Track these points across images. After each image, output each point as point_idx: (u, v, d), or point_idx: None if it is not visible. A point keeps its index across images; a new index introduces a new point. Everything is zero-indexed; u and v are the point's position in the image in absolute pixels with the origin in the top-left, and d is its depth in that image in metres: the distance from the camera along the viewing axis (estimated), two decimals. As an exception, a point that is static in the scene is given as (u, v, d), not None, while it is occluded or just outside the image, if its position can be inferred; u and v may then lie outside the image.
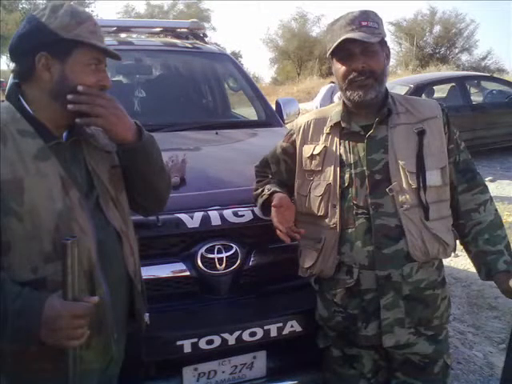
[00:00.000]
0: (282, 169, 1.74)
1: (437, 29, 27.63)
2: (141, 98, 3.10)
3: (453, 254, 1.64)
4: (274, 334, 1.71)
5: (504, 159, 8.21)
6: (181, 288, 1.74)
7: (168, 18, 30.67)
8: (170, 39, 3.58)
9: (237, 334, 1.66)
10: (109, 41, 2.94)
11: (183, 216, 1.72)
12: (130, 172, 1.29)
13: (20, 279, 1.06)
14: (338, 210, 1.51)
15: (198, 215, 1.74)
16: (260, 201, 1.71)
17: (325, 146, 1.57)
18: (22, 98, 1.16)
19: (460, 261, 4.02)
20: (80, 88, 1.14)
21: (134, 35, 3.78)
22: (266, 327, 1.70)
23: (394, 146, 1.50)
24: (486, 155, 8.00)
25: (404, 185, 1.48)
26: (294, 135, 1.67)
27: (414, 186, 1.47)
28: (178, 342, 1.61)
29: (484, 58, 27.77)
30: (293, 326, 1.73)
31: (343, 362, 1.65)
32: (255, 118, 3.17)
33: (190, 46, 3.34)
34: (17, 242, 1.06)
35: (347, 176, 1.52)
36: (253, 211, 1.79)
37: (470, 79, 9.26)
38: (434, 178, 1.50)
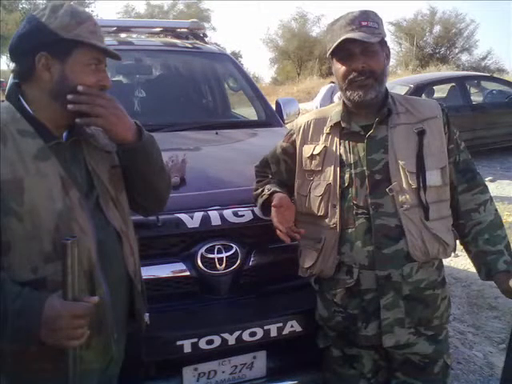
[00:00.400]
0: (282, 169, 1.74)
1: (437, 29, 27.68)
2: (141, 97, 3.10)
3: (453, 254, 1.64)
4: (274, 333, 1.71)
5: (504, 159, 8.21)
6: (181, 288, 1.74)
7: (168, 18, 30.67)
8: (169, 39, 3.57)
9: (237, 333, 1.66)
10: (109, 41, 2.94)
11: (183, 216, 1.72)
12: (130, 172, 1.29)
13: (20, 279, 1.06)
14: (337, 210, 1.51)
15: (198, 215, 1.74)
16: (260, 201, 1.71)
17: (325, 146, 1.57)
18: (21, 98, 1.16)
19: (460, 261, 4.02)
20: (80, 88, 1.14)
21: (134, 35, 3.78)
22: (266, 327, 1.70)
23: (394, 146, 1.50)
24: (486, 155, 8.00)
25: (404, 185, 1.48)
26: (294, 135, 1.67)
27: (414, 185, 1.47)
28: (178, 342, 1.61)
29: (484, 58, 27.82)
30: (293, 326, 1.73)
31: (343, 361, 1.65)
32: (255, 117, 3.17)
33: (189, 45, 3.34)
34: (17, 242, 1.06)
35: (347, 176, 1.52)
36: (253, 211, 1.79)
37: (470, 79, 9.26)
38: (434, 177, 1.50)
